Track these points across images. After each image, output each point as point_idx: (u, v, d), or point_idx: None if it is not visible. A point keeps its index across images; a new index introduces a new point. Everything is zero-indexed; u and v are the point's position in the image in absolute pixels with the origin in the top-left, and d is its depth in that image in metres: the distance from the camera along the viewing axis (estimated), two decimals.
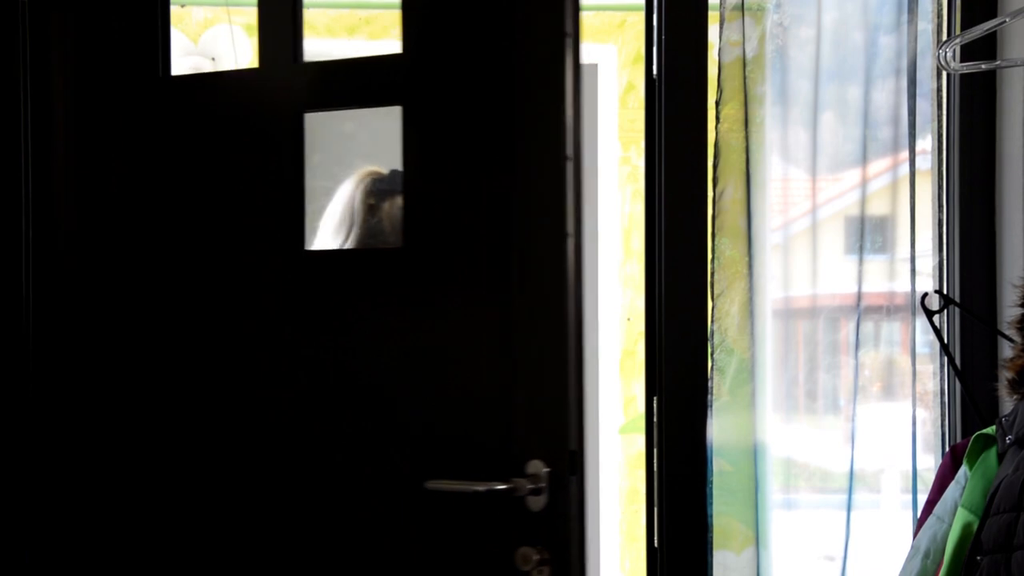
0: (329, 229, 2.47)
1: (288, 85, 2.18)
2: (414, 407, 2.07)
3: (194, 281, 2.28)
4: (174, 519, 2.27)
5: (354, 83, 2.15)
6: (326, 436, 2.14)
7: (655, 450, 2.52)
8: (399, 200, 2.24)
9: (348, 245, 2.42)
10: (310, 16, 2.45)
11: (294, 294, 2.19)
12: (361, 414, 2.11)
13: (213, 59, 2.67)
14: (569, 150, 1.95)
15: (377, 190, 2.43)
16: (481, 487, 1.96)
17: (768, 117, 2.67)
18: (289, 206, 2.18)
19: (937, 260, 2.68)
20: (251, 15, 2.74)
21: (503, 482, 1.95)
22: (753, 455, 2.65)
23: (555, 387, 1.95)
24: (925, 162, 2.69)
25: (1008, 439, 1.94)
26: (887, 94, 2.69)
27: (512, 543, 1.94)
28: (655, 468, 2.53)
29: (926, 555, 2.03)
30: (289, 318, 2.19)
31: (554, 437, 1.94)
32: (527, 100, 2.01)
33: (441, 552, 2.05)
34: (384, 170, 2.43)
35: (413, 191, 2.10)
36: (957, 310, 2.61)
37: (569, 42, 1.98)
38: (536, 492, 1.94)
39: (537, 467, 1.94)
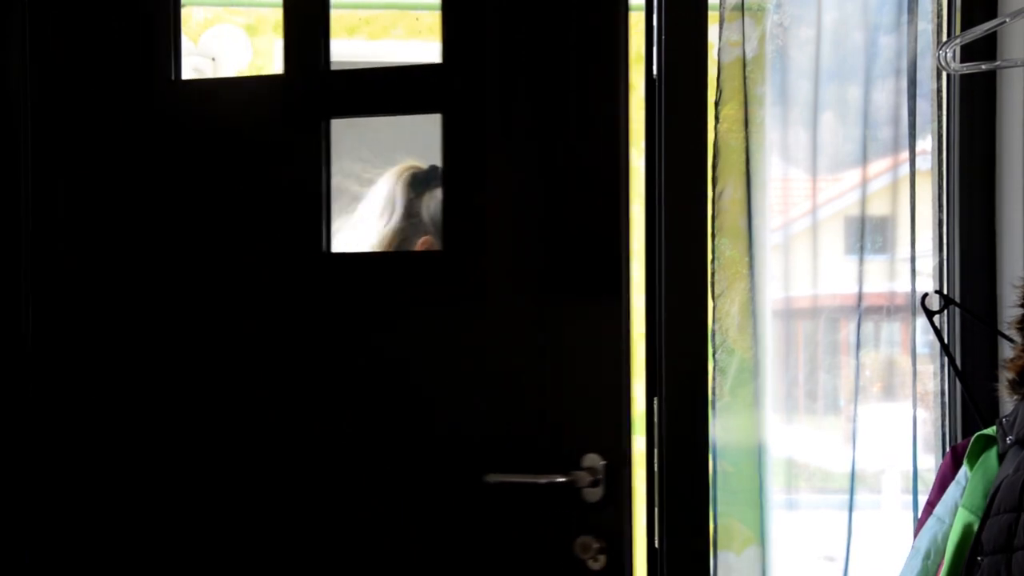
0: (367, 221, 2.49)
1: (314, 91, 2.23)
2: (469, 406, 2.16)
3: (216, 286, 2.30)
4: (218, 525, 2.29)
5: (387, 91, 2.20)
6: (379, 435, 2.20)
7: (655, 450, 2.52)
8: (438, 193, 2.26)
9: (387, 235, 2.45)
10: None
11: (343, 296, 2.24)
12: (414, 413, 2.19)
13: (213, 59, 2.67)
14: (623, 160, 2.07)
15: (417, 184, 2.46)
16: (543, 479, 2.08)
17: (768, 117, 2.66)
18: (312, 211, 2.22)
19: (937, 260, 2.67)
20: (251, 15, 2.74)
21: (563, 475, 2.07)
22: (754, 455, 2.65)
23: (610, 384, 2.09)
24: (925, 162, 2.69)
25: (1009, 439, 1.93)
26: (887, 94, 2.69)
27: (570, 532, 2.08)
28: (655, 468, 2.52)
29: (927, 555, 2.03)
30: (336, 320, 2.23)
31: (610, 432, 2.09)
32: (582, 110, 2.11)
33: (501, 541, 2.15)
34: (423, 164, 2.45)
35: (453, 196, 2.18)
36: (957, 310, 2.61)
37: (623, 54, 2.11)
38: (594, 484, 2.07)
39: (594, 460, 2.08)
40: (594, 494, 2.08)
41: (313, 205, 2.23)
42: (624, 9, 2.12)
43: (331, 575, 2.22)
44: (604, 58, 2.11)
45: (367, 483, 2.21)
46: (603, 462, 2.09)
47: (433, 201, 2.48)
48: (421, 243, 2.51)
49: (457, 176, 2.18)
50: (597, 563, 2.08)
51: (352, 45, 3.42)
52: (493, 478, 2.10)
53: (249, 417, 2.27)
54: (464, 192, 2.17)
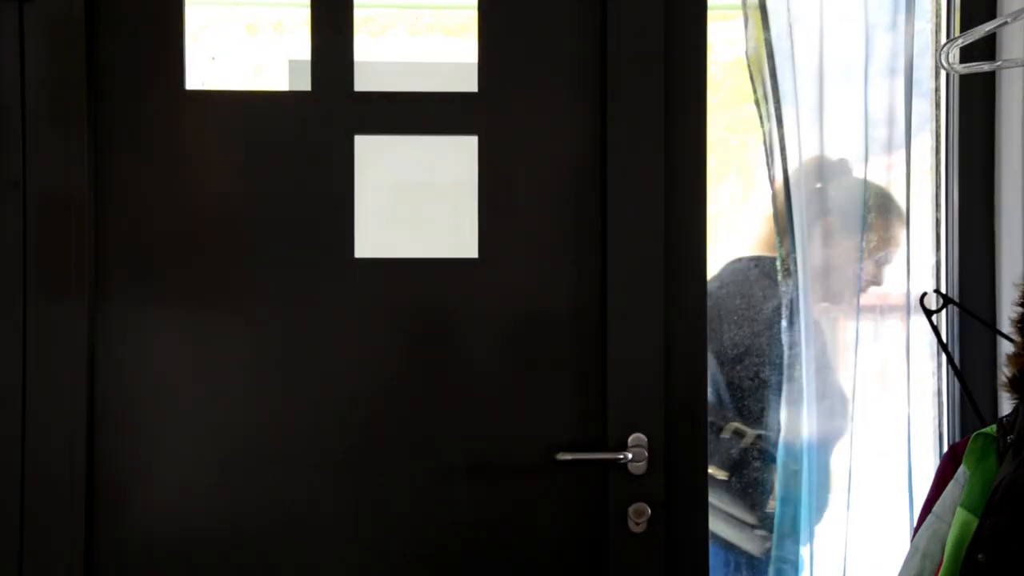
0: None
1: (341, 110, 2.45)
2: (538, 392, 2.48)
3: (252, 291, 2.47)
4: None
5: (421, 113, 2.48)
6: (458, 420, 2.49)
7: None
8: (846, 181, 2.62)
9: None
10: (308, 15, 2.47)
11: (369, 298, 2.49)
12: (489, 398, 2.49)
13: (213, 58, 2.67)
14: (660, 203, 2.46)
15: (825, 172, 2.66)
16: (605, 456, 2.43)
17: (767, 117, 2.66)
18: (344, 219, 2.46)
19: (936, 259, 2.68)
20: (251, 14, 2.74)
21: (619, 451, 2.42)
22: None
23: (652, 372, 2.44)
24: (923, 162, 2.69)
25: (1009, 439, 1.94)
26: (885, 93, 2.69)
27: (622, 500, 2.44)
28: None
29: (925, 555, 2.03)
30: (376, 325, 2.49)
31: (652, 414, 2.44)
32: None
33: (567, 506, 2.48)
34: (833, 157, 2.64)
35: (487, 207, 2.48)
36: (956, 309, 2.61)
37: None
38: (639, 459, 2.42)
39: (640, 439, 2.43)
40: (639, 468, 2.43)
41: (344, 214, 2.46)
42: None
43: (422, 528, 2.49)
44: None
45: (444, 470, 2.48)
46: (646, 439, 2.43)
47: (841, 190, 2.70)
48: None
49: (492, 193, 2.48)
50: (639, 527, 2.42)
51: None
52: (562, 456, 2.43)
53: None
54: (498, 206, 2.48)
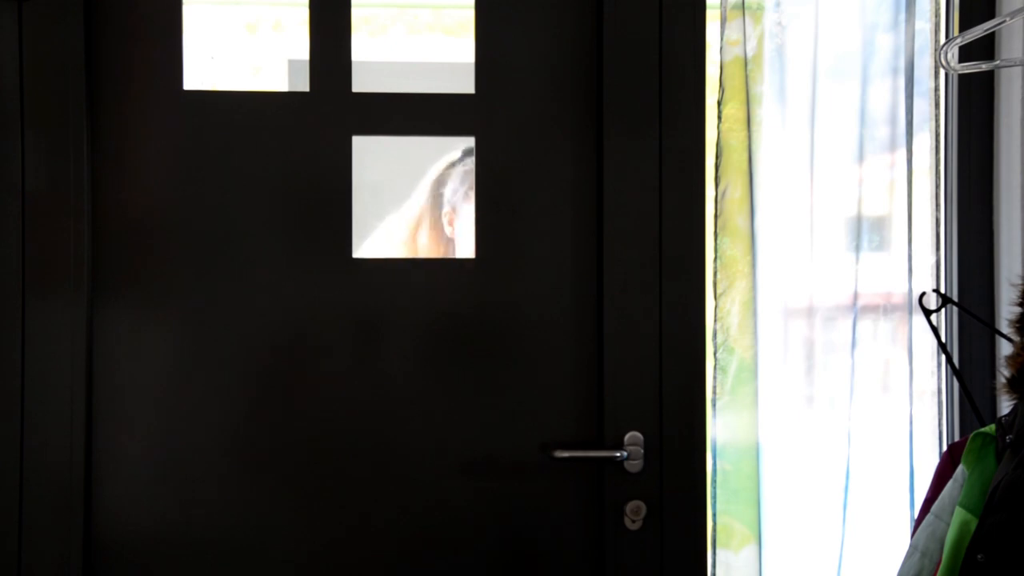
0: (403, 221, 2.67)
1: (339, 111, 2.48)
2: (535, 393, 2.52)
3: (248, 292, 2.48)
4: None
5: (418, 114, 2.50)
6: (464, 419, 2.52)
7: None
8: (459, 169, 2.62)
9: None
10: (307, 14, 2.47)
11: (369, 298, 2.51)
12: (493, 397, 2.52)
13: (212, 58, 2.68)
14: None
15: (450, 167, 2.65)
16: (603, 453, 2.47)
17: (767, 116, 2.67)
18: (342, 219, 2.48)
19: (935, 259, 2.68)
20: (251, 14, 2.75)
21: (615, 449, 2.47)
22: (752, 454, 2.66)
23: (648, 371, 2.49)
24: (923, 161, 2.69)
25: (1008, 438, 1.94)
26: (885, 93, 2.69)
27: (618, 498, 2.48)
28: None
29: (924, 554, 2.03)
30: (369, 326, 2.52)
31: (649, 413, 2.49)
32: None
33: (563, 504, 2.52)
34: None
35: (485, 208, 2.51)
36: (955, 309, 2.61)
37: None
38: (635, 457, 2.47)
39: (636, 437, 2.48)
40: (635, 465, 2.48)
41: (341, 214, 2.48)
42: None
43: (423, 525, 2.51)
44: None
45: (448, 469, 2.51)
46: (643, 438, 2.48)
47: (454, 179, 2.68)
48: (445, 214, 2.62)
49: (490, 190, 2.51)
50: (635, 524, 2.47)
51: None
52: (560, 453, 2.46)
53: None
54: (497, 203, 2.51)
